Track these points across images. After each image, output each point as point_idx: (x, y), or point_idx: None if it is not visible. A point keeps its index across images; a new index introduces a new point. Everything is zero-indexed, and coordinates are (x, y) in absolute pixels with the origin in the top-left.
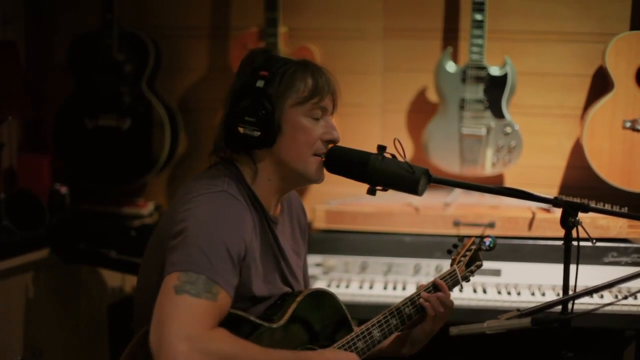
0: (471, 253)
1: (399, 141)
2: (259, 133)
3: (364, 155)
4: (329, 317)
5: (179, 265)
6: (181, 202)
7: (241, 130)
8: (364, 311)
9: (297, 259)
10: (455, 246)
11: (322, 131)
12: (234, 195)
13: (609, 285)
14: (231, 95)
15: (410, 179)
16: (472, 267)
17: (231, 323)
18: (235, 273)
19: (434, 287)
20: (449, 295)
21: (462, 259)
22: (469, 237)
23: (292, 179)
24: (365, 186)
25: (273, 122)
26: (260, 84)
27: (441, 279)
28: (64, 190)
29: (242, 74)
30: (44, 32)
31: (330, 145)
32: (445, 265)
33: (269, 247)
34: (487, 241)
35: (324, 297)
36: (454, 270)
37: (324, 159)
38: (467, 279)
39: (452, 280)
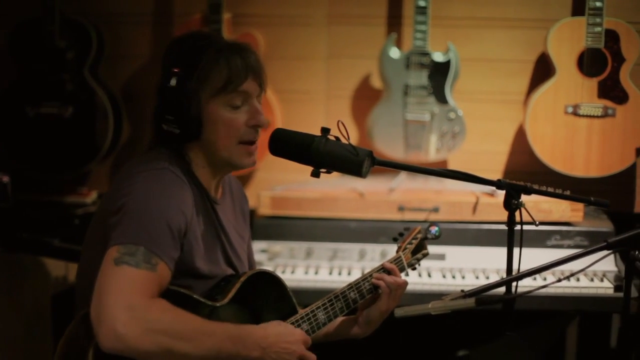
0: (417, 241)
1: (342, 123)
2: (178, 131)
3: (307, 137)
4: (273, 298)
5: (118, 239)
6: (122, 179)
7: (165, 127)
8: (310, 297)
9: (240, 241)
10: (401, 234)
11: (245, 118)
12: (176, 173)
13: (549, 266)
14: (156, 92)
15: (354, 160)
16: (418, 255)
17: (174, 300)
18: (175, 247)
19: (384, 270)
20: (400, 276)
21: (408, 246)
22: (416, 225)
23: (223, 167)
24: (310, 170)
25: (190, 118)
26: (173, 82)
27: None
28: (5, 179)
29: (162, 69)
30: None
31: (264, 130)
32: (391, 250)
33: (211, 226)
34: (433, 230)
35: (268, 279)
36: (400, 256)
37: (253, 146)
38: (412, 267)
39: (398, 266)
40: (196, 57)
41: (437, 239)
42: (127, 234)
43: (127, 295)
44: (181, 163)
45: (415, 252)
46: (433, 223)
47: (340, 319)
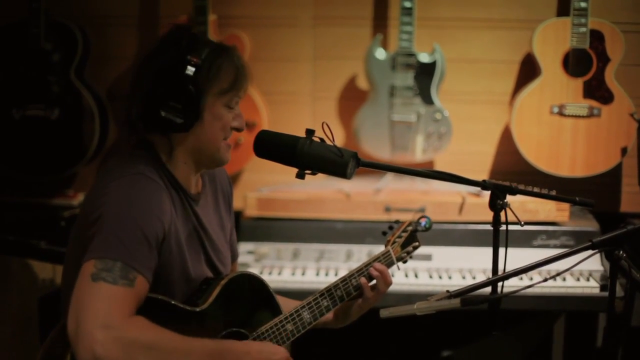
0: (407, 234)
1: (327, 125)
2: (181, 120)
3: (292, 138)
4: (256, 300)
5: (95, 253)
6: (98, 187)
7: (163, 114)
8: (297, 298)
9: (222, 234)
10: (390, 228)
11: (232, 119)
12: (150, 177)
13: (535, 266)
14: (154, 75)
15: (339, 162)
16: (409, 248)
17: (153, 307)
18: (152, 256)
19: (367, 274)
20: (389, 276)
21: (397, 239)
22: (404, 220)
23: (205, 162)
24: (296, 172)
25: (198, 110)
26: (190, 71)
27: (375, 260)
28: None
29: (166, 54)
30: None
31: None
32: (377, 251)
33: (191, 227)
34: (423, 222)
35: (249, 280)
36: (388, 251)
37: (229, 141)
38: (403, 260)
39: (387, 261)
40: (211, 52)
41: (428, 231)
42: (104, 247)
43: (105, 314)
44: (157, 164)
45: (405, 245)
46: (423, 215)
47: None
